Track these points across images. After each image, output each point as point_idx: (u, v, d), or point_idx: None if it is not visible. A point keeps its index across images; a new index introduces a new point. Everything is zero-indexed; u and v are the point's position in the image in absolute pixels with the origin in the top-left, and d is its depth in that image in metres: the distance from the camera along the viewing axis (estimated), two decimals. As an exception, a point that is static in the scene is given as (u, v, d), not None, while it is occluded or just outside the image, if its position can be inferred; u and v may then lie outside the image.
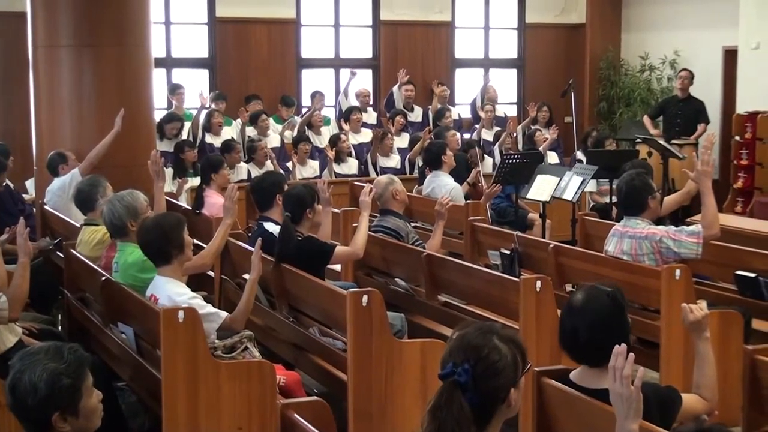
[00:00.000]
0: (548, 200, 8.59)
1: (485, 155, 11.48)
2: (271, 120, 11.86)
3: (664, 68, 14.07)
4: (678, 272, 5.57)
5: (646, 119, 12.63)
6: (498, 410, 2.85)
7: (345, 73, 13.39)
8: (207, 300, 5.37)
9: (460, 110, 13.60)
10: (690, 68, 13.42)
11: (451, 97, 13.74)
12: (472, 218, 7.66)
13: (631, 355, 3.04)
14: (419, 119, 12.85)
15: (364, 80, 13.35)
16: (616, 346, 3.06)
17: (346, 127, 12.19)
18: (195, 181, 9.74)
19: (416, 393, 5.10)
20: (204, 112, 11.35)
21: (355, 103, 12.71)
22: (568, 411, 3.65)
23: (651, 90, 14.26)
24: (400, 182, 7.25)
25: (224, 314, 5.18)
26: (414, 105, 13.03)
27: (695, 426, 2.90)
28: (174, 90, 11.74)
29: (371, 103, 13.04)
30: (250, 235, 6.86)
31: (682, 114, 12.42)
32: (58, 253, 7.15)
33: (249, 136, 11.41)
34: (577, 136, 12.11)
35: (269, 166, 10.74)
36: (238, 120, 11.89)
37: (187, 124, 11.22)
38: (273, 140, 11.55)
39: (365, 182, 9.24)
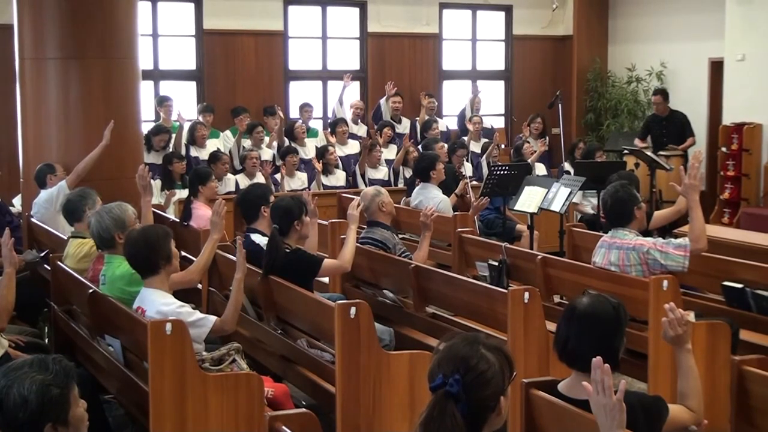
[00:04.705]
0: (536, 211, 8.61)
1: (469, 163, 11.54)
2: (264, 132, 11.82)
3: (650, 80, 14.13)
4: (666, 283, 5.59)
5: (637, 142, 12.66)
6: (489, 419, 2.86)
7: (333, 84, 13.43)
8: (194, 310, 5.36)
9: (448, 122, 13.64)
10: (676, 79, 13.56)
11: (439, 109, 13.75)
12: (460, 230, 7.66)
13: (606, 365, 3.04)
14: (407, 131, 12.85)
15: (351, 92, 13.35)
16: (594, 359, 3.07)
17: (332, 139, 12.19)
18: (183, 193, 9.73)
19: (404, 405, 5.09)
20: (186, 128, 11.33)
21: (350, 112, 12.73)
22: (557, 422, 3.65)
23: (638, 101, 14.32)
24: (386, 194, 7.25)
25: (213, 318, 5.18)
26: (401, 116, 13.04)
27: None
28: (161, 102, 11.71)
29: (362, 116, 13.02)
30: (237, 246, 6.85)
31: (667, 132, 12.51)
32: (45, 265, 7.12)
33: (243, 147, 11.41)
34: (565, 148, 12.15)
35: (259, 177, 10.74)
36: (227, 132, 11.89)
37: (174, 138, 11.21)
38: (266, 153, 11.53)
39: (353, 194, 9.25)
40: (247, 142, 11.53)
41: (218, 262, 6.55)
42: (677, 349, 3.79)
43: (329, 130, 12.50)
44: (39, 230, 7.94)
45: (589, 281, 6.13)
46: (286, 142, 11.84)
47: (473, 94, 13.55)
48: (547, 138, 12.50)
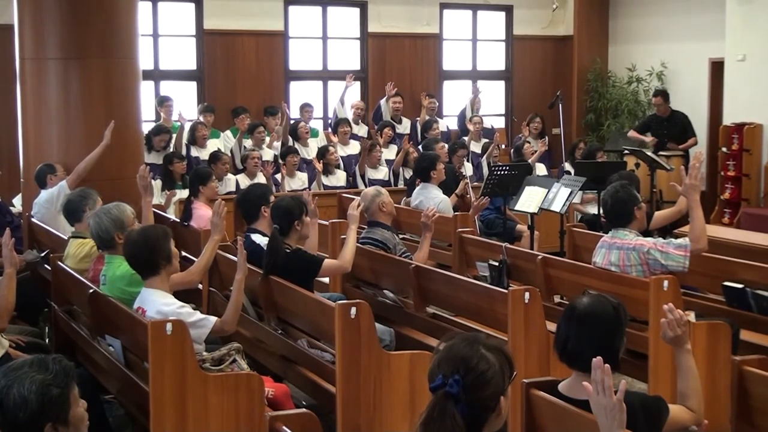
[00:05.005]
0: (536, 212, 8.60)
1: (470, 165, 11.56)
2: (265, 133, 11.82)
3: (651, 80, 14.13)
4: (666, 283, 5.59)
5: (632, 133, 12.68)
6: (489, 419, 2.86)
7: (333, 84, 13.44)
8: (195, 310, 5.36)
9: (448, 122, 13.65)
10: (677, 80, 13.56)
11: (439, 109, 13.76)
12: (460, 230, 7.66)
13: (607, 366, 3.04)
14: (407, 131, 12.86)
15: (352, 92, 13.35)
16: (594, 359, 3.07)
17: (334, 139, 12.22)
18: (183, 194, 9.73)
19: (405, 405, 5.09)
20: (186, 129, 11.33)
21: (350, 112, 12.74)
22: (557, 422, 3.65)
23: (638, 102, 14.32)
24: (387, 194, 7.25)
25: (214, 319, 5.18)
26: (402, 117, 13.05)
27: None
28: (162, 102, 11.72)
29: (363, 116, 13.02)
30: (237, 247, 6.85)
31: (669, 133, 12.52)
32: (46, 265, 7.12)
33: (244, 146, 11.41)
34: (565, 148, 12.15)
35: (260, 177, 10.75)
36: (227, 132, 11.89)
37: (174, 138, 11.21)
38: (267, 153, 11.54)
39: (353, 194, 9.25)
40: (248, 143, 11.53)
41: (219, 263, 6.55)
42: (677, 350, 3.79)
43: (331, 130, 12.52)
44: (39, 230, 7.94)
45: (589, 281, 6.13)
46: (290, 141, 11.86)
47: (473, 95, 13.56)
48: (546, 138, 12.51)
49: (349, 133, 12.29)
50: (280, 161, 11.41)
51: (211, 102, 12.30)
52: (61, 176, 7.94)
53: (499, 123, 14.59)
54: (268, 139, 11.78)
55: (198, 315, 5.14)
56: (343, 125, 12.27)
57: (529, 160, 11.26)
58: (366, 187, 10.40)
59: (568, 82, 14.72)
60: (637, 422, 3.39)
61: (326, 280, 7.11)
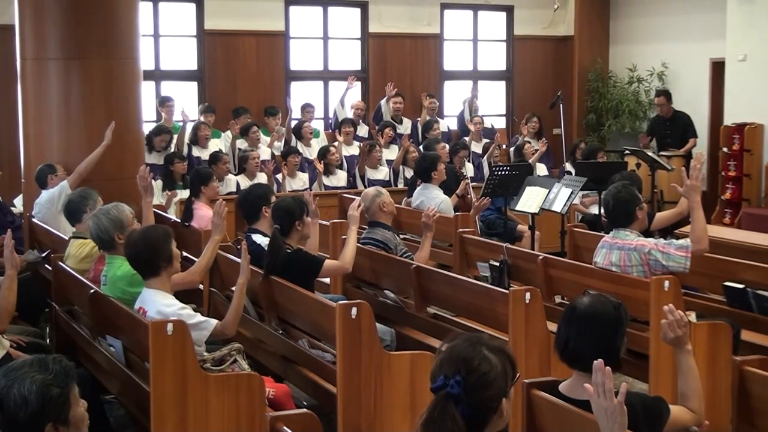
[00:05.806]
0: (537, 212, 8.60)
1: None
2: (260, 132, 11.84)
3: (652, 80, 14.13)
4: (667, 283, 5.58)
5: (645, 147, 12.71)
6: (490, 421, 2.86)
7: (334, 85, 13.44)
8: (196, 312, 5.35)
9: (449, 122, 13.65)
10: (677, 80, 13.55)
11: (440, 109, 13.75)
12: (461, 230, 7.66)
13: (608, 368, 3.04)
14: (408, 131, 12.85)
15: (352, 92, 13.34)
16: (595, 362, 3.06)
17: (340, 138, 12.20)
18: (184, 194, 9.72)
19: (406, 405, 5.09)
20: (189, 127, 11.33)
21: (350, 113, 12.75)
22: (558, 423, 3.65)
23: (639, 102, 14.32)
24: (387, 194, 7.24)
25: (214, 322, 5.18)
26: (403, 117, 13.05)
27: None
28: (163, 102, 11.72)
29: (363, 116, 13.03)
30: (239, 247, 6.85)
31: (671, 133, 12.55)
32: (46, 266, 7.12)
33: (240, 148, 11.41)
34: (566, 148, 12.15)
35: (260, 177, 10.74)
36: (228, 132, 11.89)
37: (176, 137, 11.21)
38: (263, 153, 11.54)
39: (354, 194, 9.25)
40: (244, 145, 11.51)
41: (219, 263, 6.54)
42: (677, 350, 3.79)
43: (336, 129, 12.51)
44: (40, 230, 7.94)
45: (590, 281, 6.13)
46: (293, 140, 11.87)
47: (471, 95, 13.56)
48: (545, 137, 12.51)
49: (352, 133, 12.29)
50: (282, 161, 11.40)
51: (211, 102, 12.30)
52: (62, 176, 7.94)
53: (500, 123, 14.59)
54: (267, 138, 11.77)
55: (198, 317, 5.14)
56: (347, 125, 12.26)
57: (530, 161, 11.25)
58: (366, 187, 10.39)
59: (568, 82, 14.72)
60: (638, 423, 3.39)
61: (327, 280, 7.11)
